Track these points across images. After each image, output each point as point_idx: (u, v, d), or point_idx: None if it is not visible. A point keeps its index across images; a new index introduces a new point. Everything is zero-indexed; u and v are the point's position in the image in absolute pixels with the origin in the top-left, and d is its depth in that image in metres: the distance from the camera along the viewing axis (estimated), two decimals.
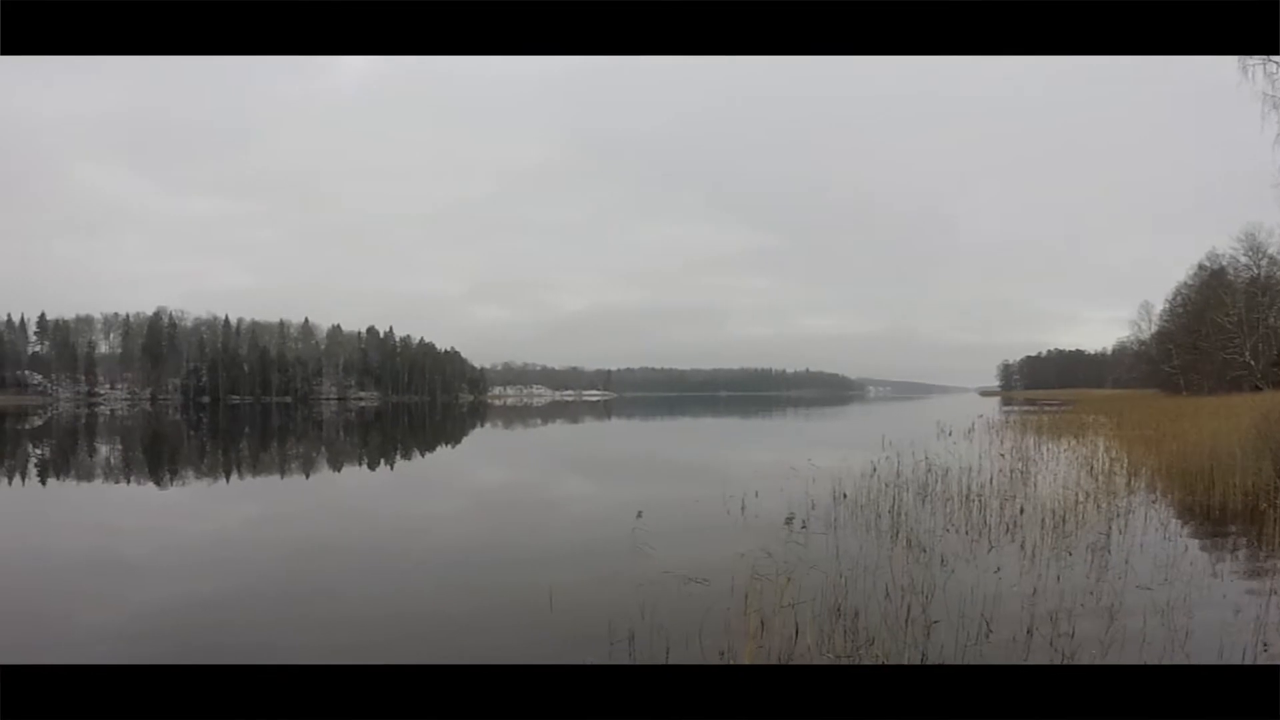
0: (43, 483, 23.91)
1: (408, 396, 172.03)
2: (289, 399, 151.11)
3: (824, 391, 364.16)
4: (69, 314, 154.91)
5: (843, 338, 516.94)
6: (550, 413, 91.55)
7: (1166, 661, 7.01)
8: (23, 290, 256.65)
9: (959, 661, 7.10)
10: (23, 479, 24.90)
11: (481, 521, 16.76)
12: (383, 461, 31.51)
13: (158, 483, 24.12)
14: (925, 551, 11.30)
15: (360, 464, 30.59)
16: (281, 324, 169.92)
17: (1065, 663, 7.02)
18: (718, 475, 22.45)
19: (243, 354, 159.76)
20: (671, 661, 7.21)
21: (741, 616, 7.96)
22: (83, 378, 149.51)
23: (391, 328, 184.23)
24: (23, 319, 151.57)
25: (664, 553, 11.68)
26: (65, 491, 21.93)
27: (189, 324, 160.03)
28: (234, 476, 25.77)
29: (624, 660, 7.34)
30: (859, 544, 12.07)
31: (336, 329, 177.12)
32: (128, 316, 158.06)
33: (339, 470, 27.92)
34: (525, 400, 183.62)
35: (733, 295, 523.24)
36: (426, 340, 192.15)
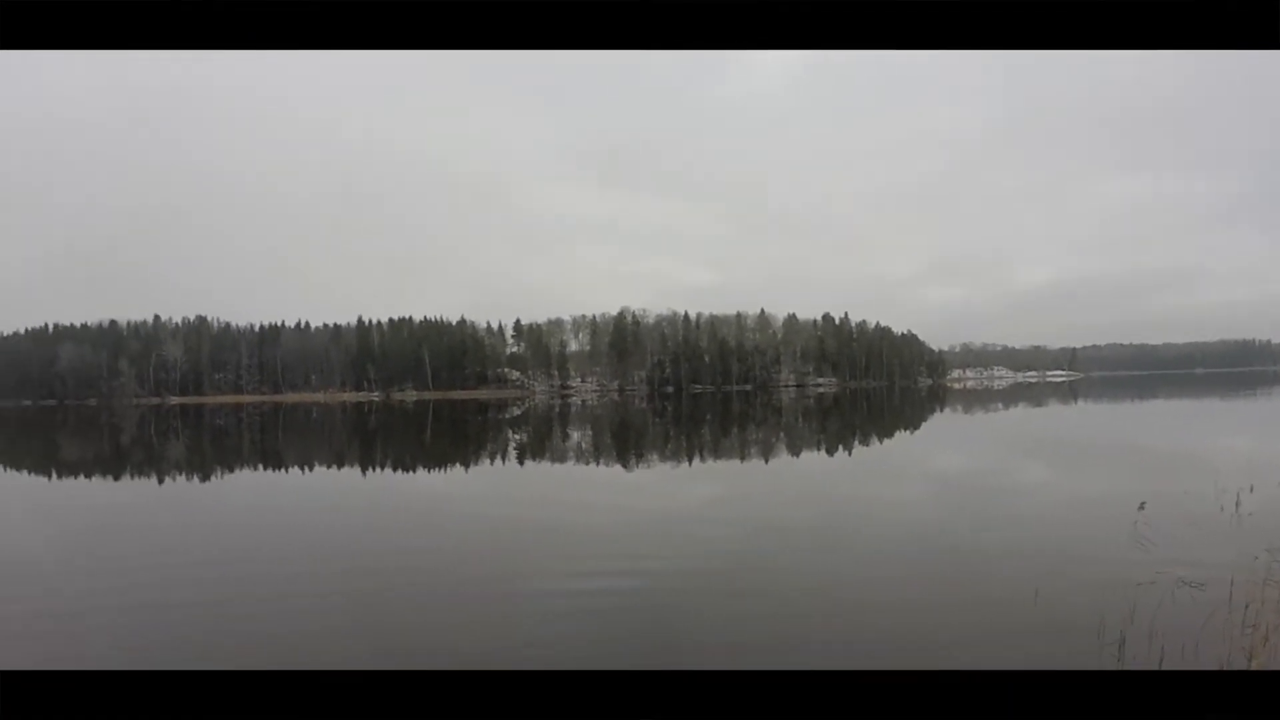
0: (520, 462, 26.79)
1: (865, 381, 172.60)
2: (748, 386, 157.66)
3: None
4: (542, 317, 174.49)
5: None
6: (1012, 396, 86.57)
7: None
8: (505, 303, 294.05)
9: None
10: (502, 460, 28.11)
11: (949, 508, 16.18)
12: (840, 446, 31.66)
13: (624, 464, 26.08)
14: None
15: (817, 448, 31.00)
16: (739, 316, 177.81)
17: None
18: (1204, 466, 20.36)
19: (703, 346, 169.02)
20: None
21: (1240, 629, 7.56)
22: (555, 373, 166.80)
23: (846, 313, 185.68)
24: (500, 324, 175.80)
25: (1154, 551, 10.69)
26: (539, 470, 24.57)
27: (651, 321, 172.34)
28: (694, 459, 27.29)
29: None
30: None
31: (792, 318, 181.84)
32: (594, 317, 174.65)
33: (796, 454, 28.39)
34: (985, 383, 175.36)
35: (1207, 256, 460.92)
36: (882, 324, 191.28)
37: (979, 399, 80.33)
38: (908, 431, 41.01)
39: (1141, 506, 11.79)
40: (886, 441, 34.85)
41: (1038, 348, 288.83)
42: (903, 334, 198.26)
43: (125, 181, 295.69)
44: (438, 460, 29.79)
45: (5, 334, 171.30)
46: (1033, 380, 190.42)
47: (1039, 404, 65.72)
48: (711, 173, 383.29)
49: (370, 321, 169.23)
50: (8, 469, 29.84)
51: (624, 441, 36.60)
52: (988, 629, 8.21)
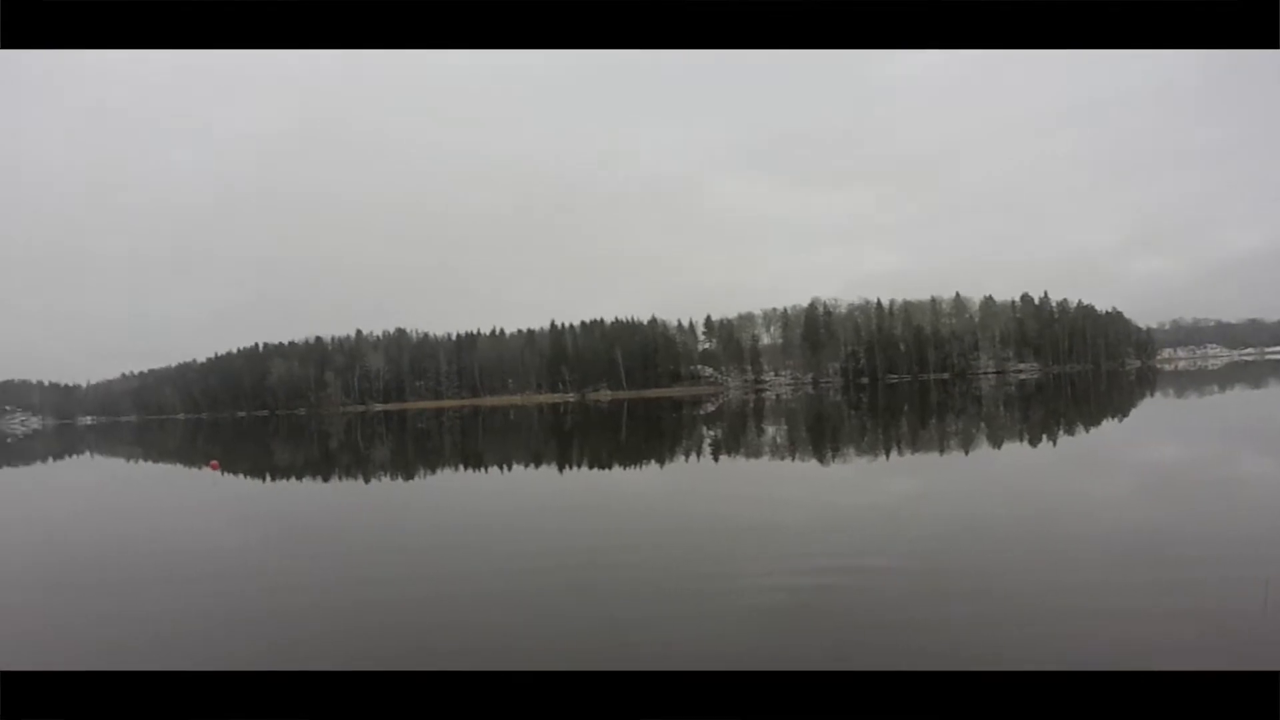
0: (715, 459, 27.33)
1: (1069, 365, 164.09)
2: (945, 375, 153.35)
3: None
4: (731, 314, 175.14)
5: None
6: (1227, 377, 79.60)
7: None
8: (695, 300, 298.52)
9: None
10: (698, 456, 28.65)
11: (1164, 503, 15.51)
12: (1044, 437, 30.58)
13: (820, 459, 26.18)
14: None
15: (1020, 439, 30.08)
16: (933, 301, 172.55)
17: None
18: None
19: (897, 334, 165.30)
20: None
21: None
22: (748, 367, 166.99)
23: (1046, 292, 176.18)
24: (691, 321, 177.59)
25: None
26: (735, 466, 25.07)
27: (843, 310, 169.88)
28: (892, 453, 27.00)
29: None
30: None
31: (989, 300, 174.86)
32: (785, 310, 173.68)
33: (997, 446, 27.78)
34: (1198, 363, 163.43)
35: None
36: (1084, 302, 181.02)
37: (1192, 381, 75.41)
38: (1116, 419, 39.20)
39: None
40: (1094, 430, 33.50)
41: (1254, 321, 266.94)
42: (1107, 312, 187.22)
43: (318, 215, 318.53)
44: (635, 458, 30.65)
45: (220, 354, 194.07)
46: (1250, 359, 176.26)
47: (1256, 385, 60.97)
48: (890, 153, 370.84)
49: (563, 325, 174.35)
50: (282, 478, 32.24)
51: (819, 435, 36.58)
52: (1209, 635, 7.77)
